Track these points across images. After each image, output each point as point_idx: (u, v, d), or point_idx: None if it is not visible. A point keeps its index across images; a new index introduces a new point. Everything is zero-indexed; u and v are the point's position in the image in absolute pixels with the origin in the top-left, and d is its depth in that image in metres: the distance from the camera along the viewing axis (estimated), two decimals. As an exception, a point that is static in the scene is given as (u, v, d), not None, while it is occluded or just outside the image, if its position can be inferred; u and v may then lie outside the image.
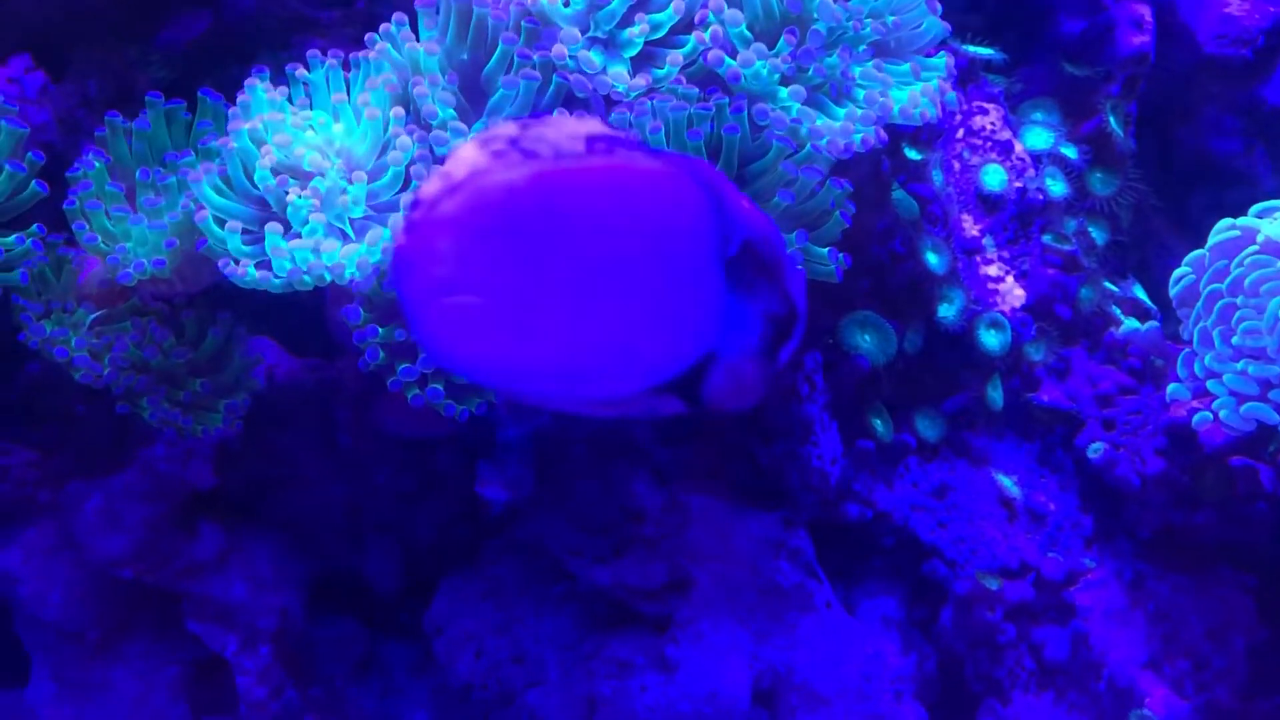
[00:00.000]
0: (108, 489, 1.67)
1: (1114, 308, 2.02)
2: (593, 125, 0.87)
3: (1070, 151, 2.03)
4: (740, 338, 1.00)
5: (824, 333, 1.79)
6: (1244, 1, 2.10)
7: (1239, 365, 1.68)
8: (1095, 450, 1.89)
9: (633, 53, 1.43)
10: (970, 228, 1.96)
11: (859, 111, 1.44)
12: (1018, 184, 1.99)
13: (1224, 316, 1.70)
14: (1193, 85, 2.16)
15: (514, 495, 1.72)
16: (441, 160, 1.36)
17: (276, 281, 1.38)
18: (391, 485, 1.79)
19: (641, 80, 1.41)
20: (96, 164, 1.52)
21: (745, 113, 1.40)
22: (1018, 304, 1.94)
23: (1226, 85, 2.15)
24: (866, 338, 1.80)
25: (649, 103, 1.41)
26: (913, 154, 1.85)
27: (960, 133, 1.99)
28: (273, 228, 1.38)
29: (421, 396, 1.44)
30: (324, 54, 1.47)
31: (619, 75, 1.40)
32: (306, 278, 1.37)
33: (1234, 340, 1.69)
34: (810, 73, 1.43)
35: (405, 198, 1.40)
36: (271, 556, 1.77)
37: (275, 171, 1.40)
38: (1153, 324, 2.00)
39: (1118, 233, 2.08)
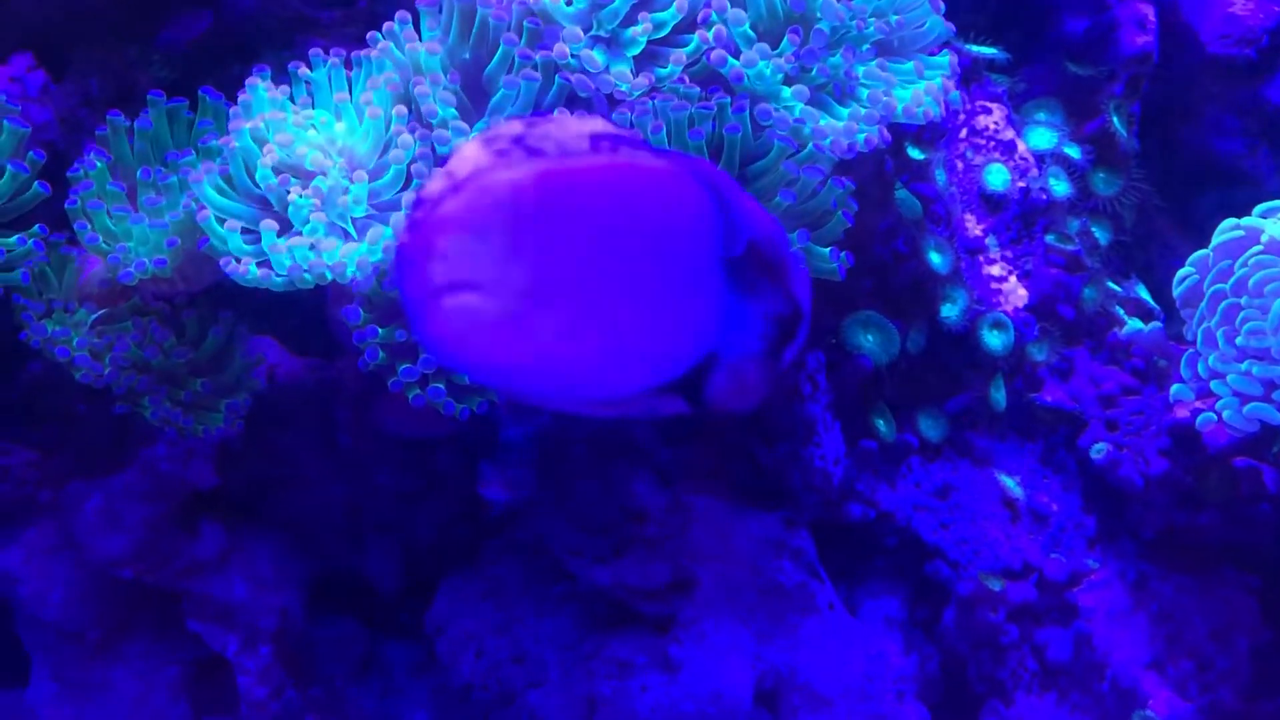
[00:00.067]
0: (108, 489, 1.67)
1: (1117, 308, 2.01)
2: (597, 124, 0.86)
3: (1073, 151, 2.03)
4: (743, 338, 1.00)
5: (827, 332, 1.78)
6: (1248, 1, 2.09)
7: (1243, 366, 1.67)
8: (1098, 451, 1.89)
9: (636, 51, 1.42)
10: (973, 227, 1.96)
11: (862, 111, 1.44)
12: (1021, 184, 1.98)
13: (1228, 317, 1.70)
14: (1196, 85, 2.15)
15: (515, 495, 1.72)
16: (443, 160, 1.35)
17: (278, 280, 1.38)
18: (392, 485, 1.78)
19: (644, 79, 1.40)
20: (98, 163, 1.52)
21: (747, 112, 1.40)
22: (1021, 304, 1.93)
23: (1230, 85, 2.14)
24: (869, 337, 1.80)
25: (650, 102, 1.40)
26: (916, 153, 1.85)
27: (963, 132, 1.99)
28: (267, 224, 1.38)
29: (422, 396, 1.44)
30: (326, 53, 1.47)
31: (622, 74, 1.40)
32: (307, 275, 1.37)
33: (1238, 341, 1.68)
34: (814, 72, 1.43)
35: (407, 196, 1.40)
36: (272, 556, 1.77)
37: (277, 170, 1.39)
38: (1156, 324, 2.00)
39: (1121, 233, 2.08)
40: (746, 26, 1.40)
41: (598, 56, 1.40)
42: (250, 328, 1.65)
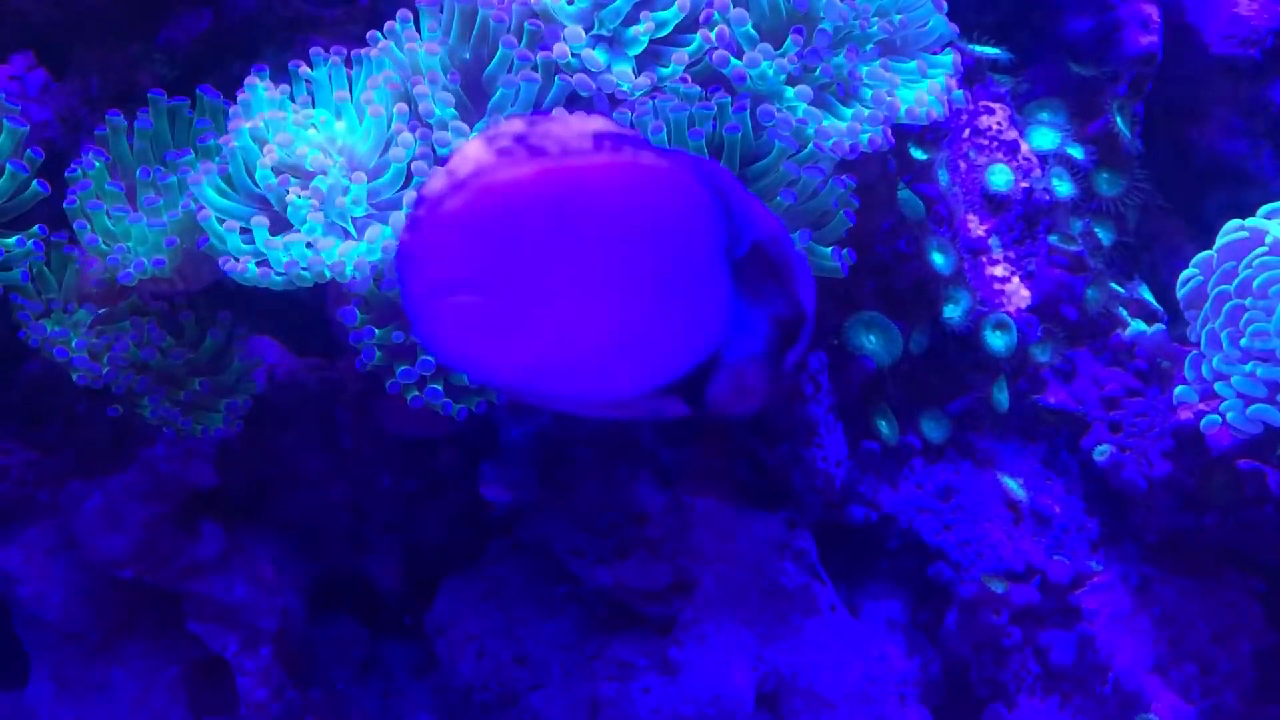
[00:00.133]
0: (108, 489, 1.66)
1: (1120, 309, 2.01)
2: (599, 123, 0.86)
3: (1077, 152, 2.02)
4: (746, 340, 0.99)
5: (829, 333, 1.78)
6: (1253, 2, 2.08)
7: (1247, 367, 1.67)
8: (1101, 453, 1.88)
9: (637, 51, 1.42)
10: (976, 228, 1.95)
11: (866, 112, 1.43)
12: (1024, 184, 1.98)
13: (1232, 318, 1.69)
14: (1201, 86, 2.14)
15: (516, 496, 1.71)
16: (443, 160, 1.35)
17: (277, 279, 1.37)
18: (393, 486, 1.78)
19: (646, 79, 1.40)
20: (96, 163, 1.52)
21: (747, 112, 1.39)
22: (1024, 305, 1.93)
23: (1235, 86, 2.13)
24: (872, 338, 1.79)
25: (650, 102, 1.40)
26: (918, 154, 1.85)
27: (966, 132, 1.98)
28: (258, 221, 1.37)
29: (420, 398, 1.43)
30: (326, 51, 1.46)
31: (623, 74, 1.39)
32: (306, 274, 1.36)
33: (1242, 342, 1.68)
34: (817, 72, 1.42)
35: (408, 195, 1.40)
36: (273, 557, 1.77)
37: (277, 170, 1.39)
38: (1159, 326, 1.99)
39: (1124, 234, 2.07)
40: (749, 26, 1.39)
41: (599, 56, 1.40)
42: (251, 328, 1.65)
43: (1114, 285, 2.03)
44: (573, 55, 1.39)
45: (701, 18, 1.42)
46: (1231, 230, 1.74)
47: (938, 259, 1.83)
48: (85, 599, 1.73)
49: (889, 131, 1.44)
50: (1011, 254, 1.96)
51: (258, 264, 1.38)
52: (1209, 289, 1.73)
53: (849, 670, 1.73)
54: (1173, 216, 2.17)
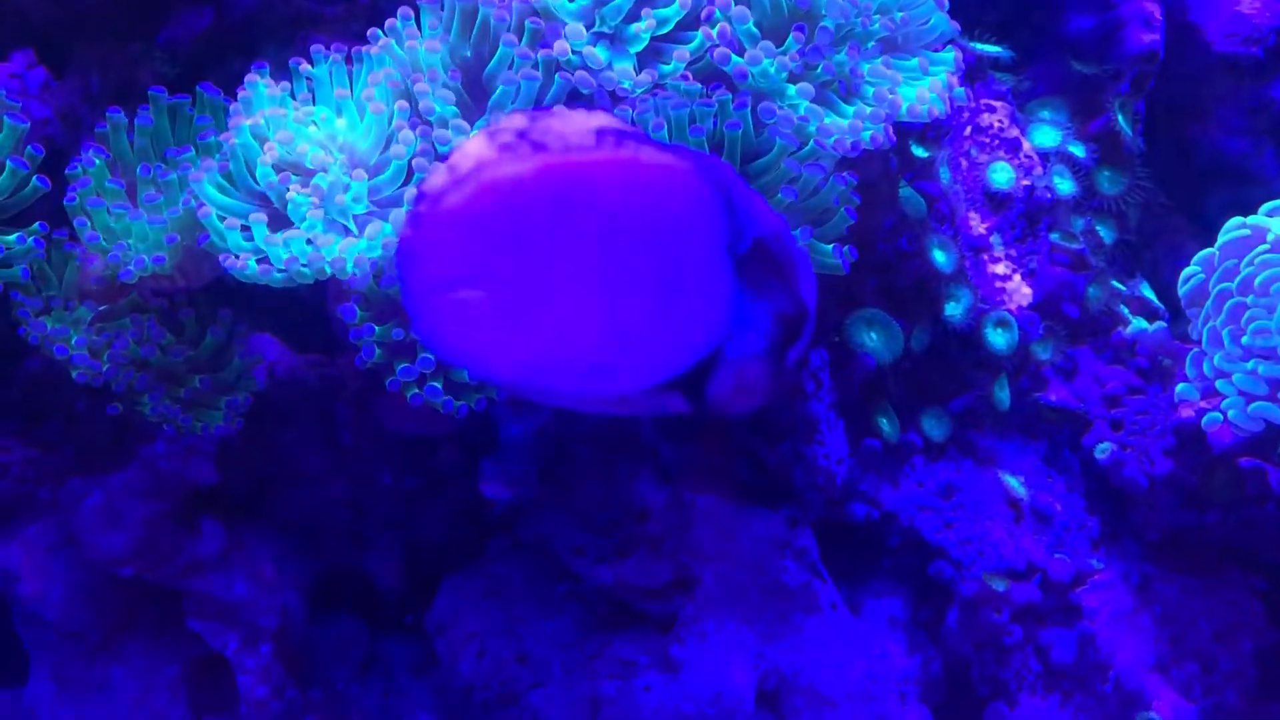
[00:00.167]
0: (108, 486, 1.66)
1: (1122, 307, 2.01)
2: (602, 118, 0.85)
3: (1078, 150, 2.02)
4: (748, 337, 0.99)
5: (830, 330, 1.78)
6: (1255, 0, 2.08)
7: (1249, 365, 1.67)
8: (1103, 451, 1.88)
9: (639, 49, 1.41)
10: (977, 226, 1.95)
11: (868, 110, 1.43)
12: (1025, 182, 1.98)
13: (1234, 316, 1.69)
14: (1203, 84, 2.14)
15: (517, 493, 1.71)
16: (444, 158, 1.34)
17: (278, 275, 1.37)
18: (393, 483, 1.78)
19: (647, 77, 1.40)
20: (97, 161, 1.52)
21: (748, 109, 1.39)
22: (1025, 303, 1.93)
23: (1237, 84, 2.13)
24: (873, 336, 1.79)
25: (651, 99, 1.39)
26: (920, 151, 1.84)
27: (968, 130, 1.98)
28: (257, 218, 1.37)
29: (420, 395, 1.43)
30: (327, 48, 1.46)
31: (624, 72, 1.39)
32: (306, 270, 1.36)
33: (1244, 340, 1.68)
34: (819, 70, 1.42)
35: (409, 192, 1.39)
36: (273, 554, 1.76)
37: (278, 168, 1.39)
38: (1161, 324, 1.99)
39: (1125, 232, 2.07)
40: (751, 24, 1.39)
41: (600, 53, 1.39)
42: (251, 325, 1.65)
43: (1115, 283, 2.03)
44: (574, 53, 1.39)
45: (703, 15, 1.41)
46: (1233, 228, 1.74)
47: (939, 257, 1.83)
48: (85, 597, 1.73)
49: (890, 129, 1.43)
50: (1013, 252, 1.96)
51: (258, 261, 1.38)
52: (1210, 286, 1.73)
53: (850, 668, 1.72)
54: (1174, 214, 2.17)
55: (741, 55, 1.38)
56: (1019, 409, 1.93)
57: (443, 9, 1.43)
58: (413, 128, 1.40)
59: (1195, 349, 1.74)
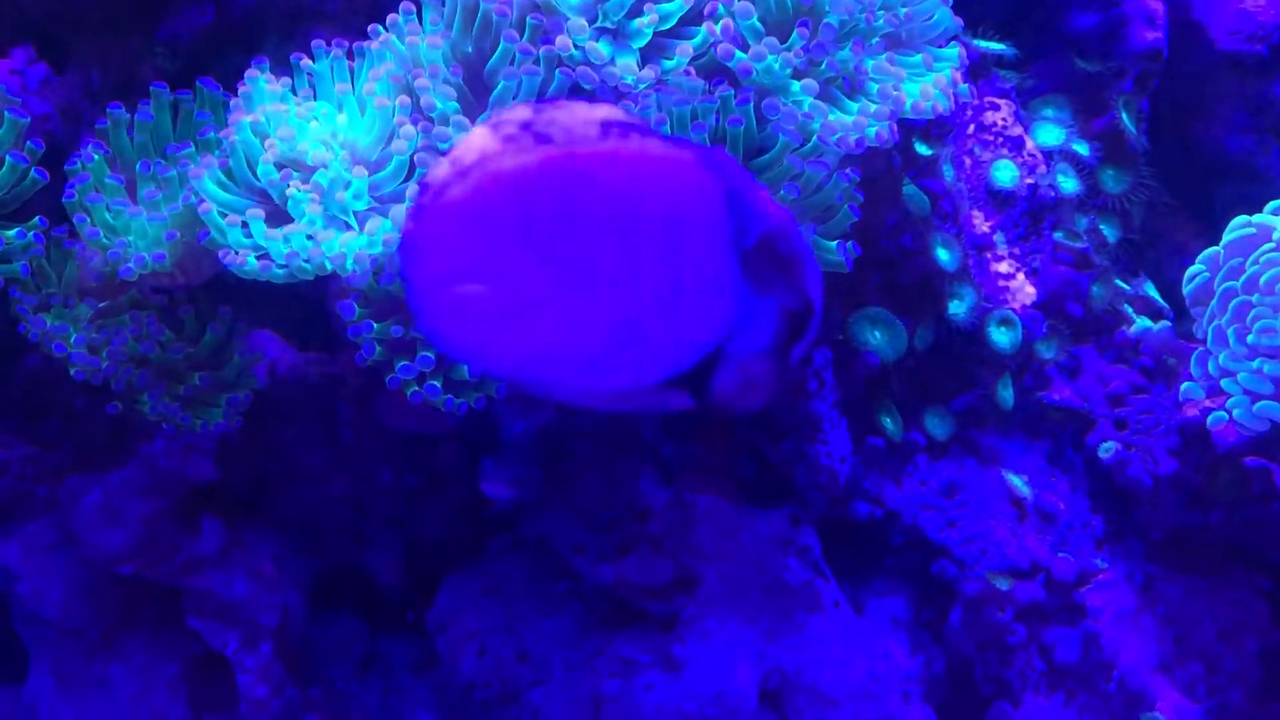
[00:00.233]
0: (107, 484, 1.66)
1: (1126, 306, 2.00)
2: (607, 110, 0.85)
3: (1082, 148, 2.01)
4: (752, 333, 0.98)
5: (834, 329, 1.77)
6: (1259, -2, 2.08)
7: (1254, 364, 1.66)
8: (1106, 450, 1.88)
9: (641, 44, 1.41)
10: (981, 224, 1.94)
11: (872, 106, 1.42)
12: (1029, 180, 1.97)
13: (1239, 314, 1.69)
14: (1207, 82, 2.14)
15: (518, 492, 1.71)
16: (445, 154, 1.34)
17: (278, 271, 1.36)
18: (394, 481, 1.77)
19: (650, 72, 1.39)
20: (96, 157, 1.51)
21: (750, 105, 1.39)
22: (1029, 301, 1.92)
23: (1241, 82, 2.13)
24: (877, 334, 1.78)
25: (653, 95, 1.39)
26: (923, 149, 1.84)
27: (971, 128, 1.98)
28: (253, 214, 1.36)
29: (420, 393, 1.42)
30: (328, 44, 1.45)
31: (627, 67, 1.38)
32: (306, 266, 1.35)
33: (1249, 339, 1.67)
34: (823, 66, 1.41)
35: (410, 188, 1.39)
36: (273, 552, 1.76)
37: (279, 165, 1.38)
38: (1165, 323, 1.98)
39: (1129, 230, 2.07)
40: (755, 20, 1.38)
41: (603, 48, 1.39)
42: (251, 322, 1.64)
43: (1119, 282, 2.02)
44: (576, 48, 1.38)
45: (706, 10, 1.41)
46: (1238, 226, 1.73)
47: (942, 255, 1.83)
48: (84, 595, 1.72)
49: (895, 126, 1.43)
50: (1016, 250, 1.96)
51: (258, 257, 1.37)
52: (1215, 285, 1.72)
53: (853, 668, 1.72)
54: (1178, 213, 2.17)
55: (745, 51, 1.38)
56: (1022, 408, 1.92)
57: (444, 4, 1.43)
58: (414, 124, 1.39)
59: (1200, 348, 1.73)
